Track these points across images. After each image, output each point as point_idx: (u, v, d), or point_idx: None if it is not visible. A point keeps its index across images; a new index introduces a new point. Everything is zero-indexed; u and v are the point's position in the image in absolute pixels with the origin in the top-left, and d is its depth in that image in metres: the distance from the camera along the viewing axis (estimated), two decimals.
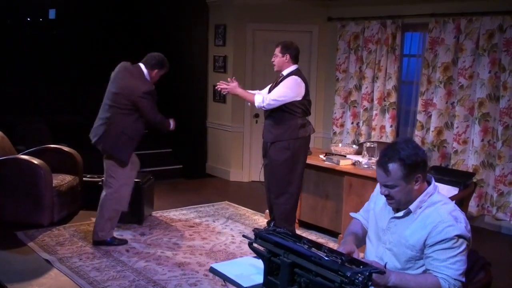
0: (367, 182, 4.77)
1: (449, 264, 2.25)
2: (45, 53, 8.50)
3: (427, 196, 2.37)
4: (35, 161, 5.26)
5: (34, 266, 4.38)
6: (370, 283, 1.87)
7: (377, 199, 2.56)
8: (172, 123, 4.89)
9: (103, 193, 4.80)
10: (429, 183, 2.43)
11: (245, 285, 2.26)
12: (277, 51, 4.65)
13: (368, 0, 6.71)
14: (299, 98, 4.60)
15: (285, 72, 4.66)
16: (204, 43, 7.85)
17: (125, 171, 4.74)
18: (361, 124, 6.92)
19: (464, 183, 4.65)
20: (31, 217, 5.23)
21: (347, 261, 1.95)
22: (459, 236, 2.25)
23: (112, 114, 4.62)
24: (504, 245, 5.54)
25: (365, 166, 4.93)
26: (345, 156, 5.32)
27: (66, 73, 8.55)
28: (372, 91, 6.76)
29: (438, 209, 2.33)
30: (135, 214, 5.45)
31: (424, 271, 2.34)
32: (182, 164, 7.92)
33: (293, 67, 4.67)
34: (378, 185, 2.50)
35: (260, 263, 2.28)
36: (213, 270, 2.45)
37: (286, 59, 4.65)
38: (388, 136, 6.55)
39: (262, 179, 4.94)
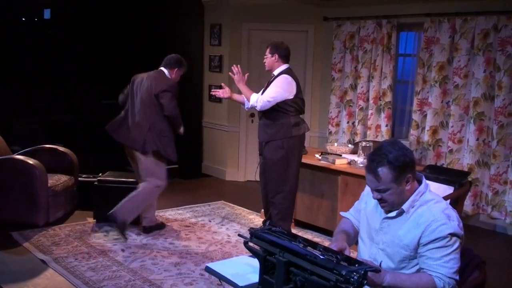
0: (363, 181, 4.71)
1: (443, 263, 2.26)
2: (40, 53, 8.47)
3: (419, 196, 2.38)
4: (30, 161, 5.24)
5: (29, 266, 4.37)
6: (365, 282, 1.88)
7: (367, 199, 2.55)
8: (182, 128, 5.24)
9: (146, 185, 5.05)
10: (419, 182, 2.43)
11: (240, 284, 2.27)
12: (267, 51, 4.71)
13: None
14: (291, 97, 4.60)
15: (276, 72, 4.68)
16: (200, 42, 7.84)
17: (163, 165, 5.15)
18: (356, 123, 6.93)
19: (459, 182, 4.65)
20: (26, 217, 5.22)
21: (342, 260, 1.96)
22: (452, 235, 2.26)
23: (146, 117, 4.99)
24: (499, 243, 5.56)
25: (361, 165, 4.94)
26: (340, 155, 5.33)
27: (61, 73, 8.52)
28: (368, 91, 6.77)
29: (430, 207, 2.34)
30: None
31: (418, 270, 2.35)
32: (178, 164, 7.89)
33: (283, 67, 4.68)
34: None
35: (255, 262, 2.29)
36: (208, 270, 2.45)
37: (275, 59, 4.68)
38: (384, 136, 6.56)
39: (258, 178, 4.95)
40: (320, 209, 5.34)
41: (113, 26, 9.07)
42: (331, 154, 5.38)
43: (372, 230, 2.50)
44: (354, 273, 1.86)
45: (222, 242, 5.08)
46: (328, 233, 5.31)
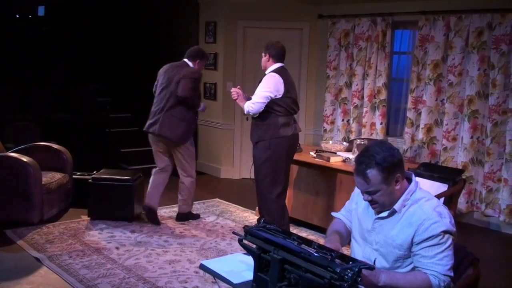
0: None
1: (437, 261, 2.26)
2: (35, 51, 8.44)
3: (409, 194, 2.38)
4: (24, 158, 5.22)
5: (23, 264, 4.35)
6: (359, 279, 1.88)
7: (358, 199, 2.54)
8: (203, 105, 5.48)
9: (186, 179, 5.41)
10: (409, 180, 2.43)
11: (235, 282, 2.27)
12: (262, 51, 4.73)
13: None
14: (279, 96, 4.56)
15: (267, 72, 4.67)
16: (195, 40, 7.82)
17: (193, 153, 5.46)
18: (351, 121, 6.94)
19: (453, 179, 4.67)
20: (20, 215, 5.20)
21: (336, 257, 1.96)
22: (445, 232, 2.27)
23: (177, 108, 5.18)
24: (493, 241, 5.59)
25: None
26: (335, 153, 5.33)
27: (56, 70, 8.51)
28: (363, 88, 6.78)
29: (422, 206, 2.34)
30: (125, 211, 5.45)
31: (413, 269, 2.35)
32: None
33: (275, 66, 4.66)
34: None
35: (250, 260, 2.29)
36: (203, 267, 2.45)
37: (267, 58, 4.69)
38: (378, 133, 6.58)
39: (253, 176, 4.94)
40: (315, 207, 5.35)
41: (108, 23, 9.05)
42: (326, 152, 5.39)
43: (365, 230, 2.50)
44: (348, 271, 1.86)
45: (216, 239, 5.08)
46: (323, 231, 5.30)
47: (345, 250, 2.44)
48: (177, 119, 5.18)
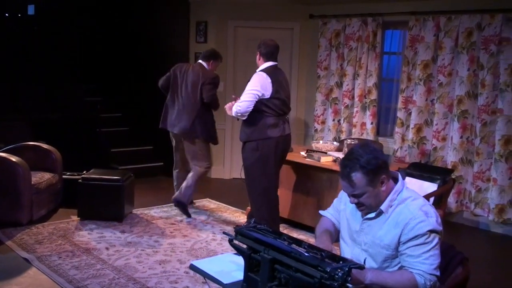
0: None
1: (423, 260, 2.27)
2: (24, 50, 8.38)
3: (396, 194, 2.39)
4: (14, 158, 5.18)
5: (12, 265, 4.32)
6: (349, 279, 1.88)
7: (346, 200, 2.53)
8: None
9: (198, 170, 5.68)
10: (395, 180, 2.44)
11: (225, 282, 2.26)
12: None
13: None
14: (267, 96, 4.52)
15: (257, 70, 4.65)
16: (186, 40, 7.81)
17: (209, 149, 5.84)
18: (342, 121, 6.95)
19: (443, 179, 4.70)
20: (9, 215, 5.15)
21: (327, 257, 1.96)
22: (431, 231, 2.28)
23: (193, 107, 5.54)
24: (482, 240, 5.62)
25: None
26: (326, 153, 5.34)
27: (46, 70, 8.44)
28: (353, 88, 6.80)
29: (408, 205, 2.35)
30: (115, 212, 5.42)
31: (400, 268, 2.36)
32: (163, 162, 7.88)
33: (265, 65, 4.64)
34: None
35: (240, 260, 2.28)
36: (193, 267, 2.45)
37: (258, 57, 4.67)
38: (369, 133, 6.60)
39: (243, 176, 4.93)
40: (306, 206, 5.35)
41: (99, 23, 9.01)
42: (316, 151, 5.40)
43: (353, 231, 2.50)
44: (339, 270, 1.86)
45: (207, 239, 5.07)
46: (313, 230, 5.27)
47: (336, 250, 2.44)
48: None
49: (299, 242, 2.13)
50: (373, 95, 6.57)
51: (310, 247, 2.07)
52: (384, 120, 6.83)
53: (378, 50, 6.51)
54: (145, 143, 8.10)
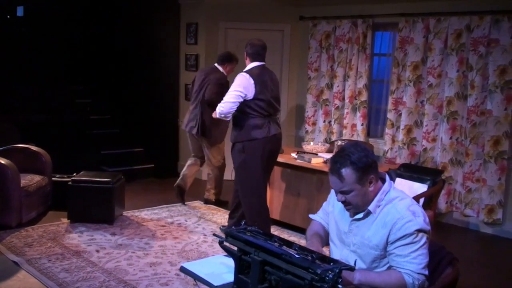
0: None
1: (411, 259, 2.28)
2: (13, 51, 8.32)
3: (383, 195, 2.40)
4: (2, 161, 5.14)
5: (1, 268, 4.28)
6: (340, 280, 1.88)
7: (335, 202, 2.54)
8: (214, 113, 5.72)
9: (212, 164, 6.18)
10: (383, 181, 2.45)
11: (215, 284, 2.26)
12: None
13: None
14: (250, 97, 4.48)
15: (243, 71, 4.62)
16: (176, 41, 7.80)
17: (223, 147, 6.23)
18: (333, 122, 6.97)
19: (433, 180, 4.72)
20: None
21: (317, 259, 1.96)
22: (419, 231, 2.29)
23: (207, 110, 5.68)
24: (472, 241, 5.65)
25: None
26: (316, 154, 5.35)
27: (35, 71, 8.39)
28: (344, 90, 6.81)
29: (395, 205, 2.36)
30: (105, 214, 5.40)
31: (389, 268, 2.37)
32: (153, 164, 7.86)
33: (251, 65, 4.62)
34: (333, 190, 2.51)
35: (231, 262, 2.28)
36: (184, 270, 2.44)
37: (245, 57, 4.68)
38: (359, 134, 6.61)
39: (234, 178, 4.93)
40: (297, 208, 5.36)
41: (89, 24, 8.96)
42: (307, 153, 5.40)
43: (342, 232, 2.51)
44: (329, 272, 1.86)
45: (198, 241, 5.06)
46: (304, 232, 5.28)
47: (326, 251, 2.45)
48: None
49: (289, 244, 2.13)
50: (364, 97, 6.59)
51: (301, 248, 2.07)
52: (375, 121, 6.86)
53: (368, 52, 6.53)
54: (136, 145, 8.07)
